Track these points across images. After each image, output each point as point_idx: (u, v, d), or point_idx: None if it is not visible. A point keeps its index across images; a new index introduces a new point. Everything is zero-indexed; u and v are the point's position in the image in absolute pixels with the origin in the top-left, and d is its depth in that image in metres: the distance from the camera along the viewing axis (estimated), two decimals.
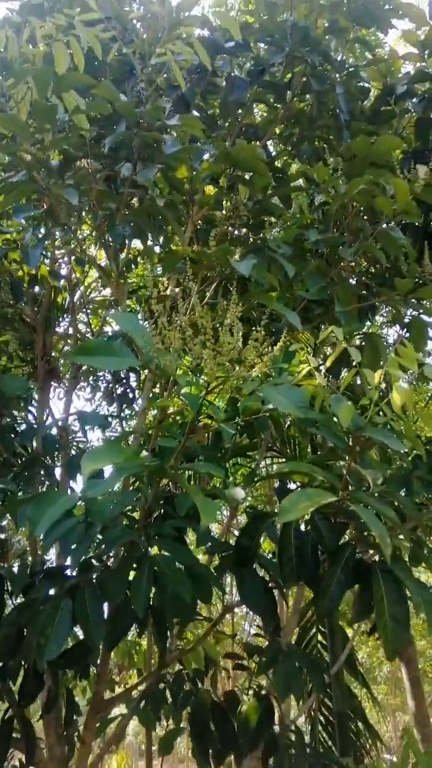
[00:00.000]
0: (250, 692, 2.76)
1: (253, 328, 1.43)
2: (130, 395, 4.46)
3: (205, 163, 1.89)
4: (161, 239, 2.35)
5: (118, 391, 4.44)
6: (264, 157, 2.05)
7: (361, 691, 5.04)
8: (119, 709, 2.76)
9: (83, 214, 2.55)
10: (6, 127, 1.65)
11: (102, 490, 1.41)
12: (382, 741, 4.59)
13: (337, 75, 2.74)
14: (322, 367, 1.69)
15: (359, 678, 4.28)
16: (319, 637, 4.15)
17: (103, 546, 2.03)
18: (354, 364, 1.41)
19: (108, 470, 1.63)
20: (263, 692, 2.51)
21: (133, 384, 4.46)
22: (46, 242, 2.06)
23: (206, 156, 1.84)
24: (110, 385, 4.45)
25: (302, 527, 1.77)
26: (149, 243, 2.23)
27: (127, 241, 2.55)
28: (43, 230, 2.42)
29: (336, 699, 3.55)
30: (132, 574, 1.83)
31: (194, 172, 1.95)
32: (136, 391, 4.52)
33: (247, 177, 1.99)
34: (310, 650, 4.11)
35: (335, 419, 1.59)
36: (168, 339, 1.48)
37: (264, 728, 2.37)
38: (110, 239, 1.83)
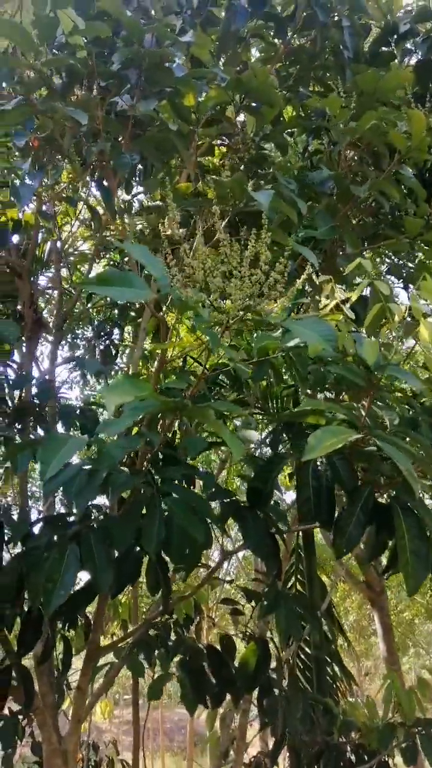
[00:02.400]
0: (242, 636, 2.81)
1: (278, 261, 1.37)
2: (113, 351, 4.36)
3: (213, 90, 1.78)
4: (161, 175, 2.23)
5: (101, 347, 4.34)
6: (277, 85, 1.94)
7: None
8: (105, 658, 2.78)
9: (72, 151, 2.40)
10: (7, 36, 1.51)
11: (118, 429, 1.36)
12: (357, 683, 4.78)
13: (342, 7, 2.61)
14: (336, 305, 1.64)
15: (336, 625, 4.43)
16: (298, 586, 4.27)
17: (106, 492, 1.99)
18: (381, 297, 1.37)
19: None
20: (258, 636, 2.55)
21: (116, 340, 4.36)
22: (41, 178, 1.91)
23: (216, 81, 1.73)
24: (92, 341, 4.33)
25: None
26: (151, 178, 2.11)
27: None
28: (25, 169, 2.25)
29: (315, 644, 3.66)
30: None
31: (200, 101, 1.83)
32: (120, 348, 4.41)
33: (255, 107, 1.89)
34: (290, 587, 4.23)
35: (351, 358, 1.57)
36: (186, 271, 1.41)
37: (261, 671, 2.42)
38: (116, 169, 1.71)
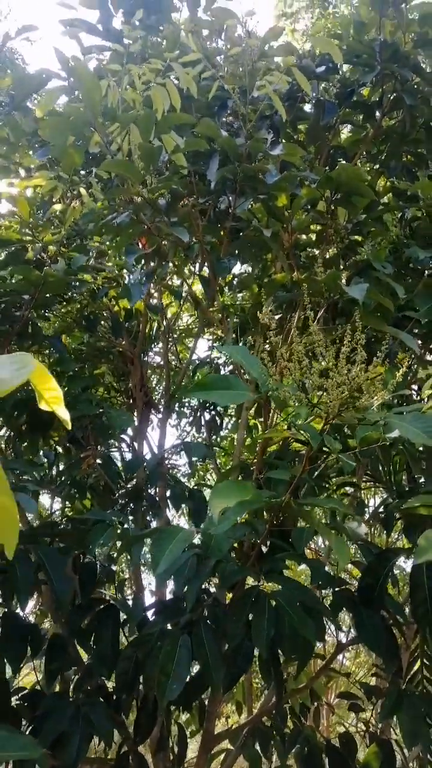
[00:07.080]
0: (363, 731, 2.62)
1: (375, 357, 1.37)
2: (218, 421, 4.45)
3: (305, 189, 1.86)
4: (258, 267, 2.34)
5: (206, 417, 4.45)
6: (366, 177, 2.00)
7: None
8: (221, 745, 2.70)
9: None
10: (118, 172, 1.71)
11: (226, 527, 1.39)
12: None
13: (428, 88, 2.66)
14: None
15: None
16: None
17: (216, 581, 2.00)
18: None
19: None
20: (381, 735, 2.37)
21: (220, 409, 4.44)
22: (151, 281, 2.09)
23: (307, 182, 1.82)
24: (198, 412, 4.46)
25: None
26: (245, 272, 2.22)
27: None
28: (142, 270, 2.48)
29: None
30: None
31: (293, 200, 1.93)
32: (225, 418, 4.49)
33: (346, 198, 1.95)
34: (416, 684, 3.87)
35: None
36: (281, 369, 1.46)
37: None
38: (214, 273, 1.83)
